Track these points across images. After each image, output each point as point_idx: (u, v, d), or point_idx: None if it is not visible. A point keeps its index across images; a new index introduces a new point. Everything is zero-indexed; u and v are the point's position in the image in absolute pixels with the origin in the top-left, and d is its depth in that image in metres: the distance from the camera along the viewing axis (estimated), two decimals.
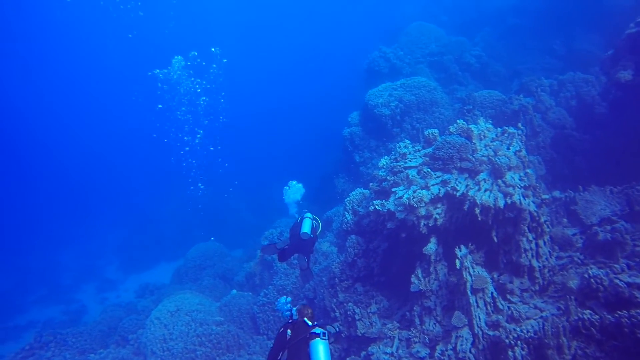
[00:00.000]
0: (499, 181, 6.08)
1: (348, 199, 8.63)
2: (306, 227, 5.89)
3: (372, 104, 12.78)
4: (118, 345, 10.09)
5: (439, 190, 6.16)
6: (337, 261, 7.92)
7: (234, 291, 11.64)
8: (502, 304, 5.82)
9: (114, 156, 38.97)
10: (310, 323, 3.83)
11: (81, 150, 40.65)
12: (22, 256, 22.67)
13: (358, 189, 8.97)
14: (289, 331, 3.75)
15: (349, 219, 8.19)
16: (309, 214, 6.15)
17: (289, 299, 4.22)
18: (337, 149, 16.31)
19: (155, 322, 9.07)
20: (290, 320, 3.92)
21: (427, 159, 6.78)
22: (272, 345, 3.80)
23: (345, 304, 7.18)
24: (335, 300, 7.47)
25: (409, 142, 7.35)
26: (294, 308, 4.05)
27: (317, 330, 3.65)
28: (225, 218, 20.84)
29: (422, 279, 6.26)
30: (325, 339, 3.58)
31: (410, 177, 6.49)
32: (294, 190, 7.14)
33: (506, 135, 6.97)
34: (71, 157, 40.12)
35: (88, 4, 38.20)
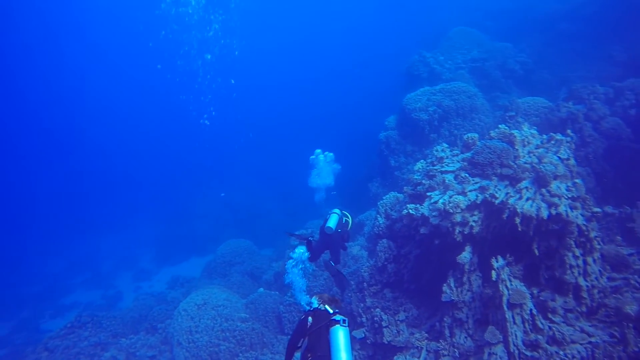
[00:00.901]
0: (543, 190, 5.69)
1: (381, 202, 8.44)
2: (331, 222, 5.87)
3: (410, 108, 12.54)
4: (147, 333, 10.37)
5: (477, 196, 5.86)
6: (366, 265, 7.74)
7: (261, 289, 11.67)
8: (542, 323, 5.41)
9: (157, 152, 40.59)
10: (331, 310, 3.76)
11: (129, 147, 42.56)
12: (71, 242, 24.15)
13: (392, 192, 8.75)
14: (309, 318, 3.70)
15: (381, 222, 7.99)
16: (337, 210, 6.08)
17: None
18: (373, 153, 16.15)
19: (183, 313, 9.22)
20: (310, 308, 3.87)
21: (465, 163, 6.49)
22: (292, 333, 3.75)
23: (372, 310, 6.98)
24: (362, 305, 7.28)
25: (446, 145, 7.07)
26: (314, 297, 3.99)
27: (338, 317, 3.58)
28: (256, 217, 21.10)
29: (454, 289, 5.97)
30: (345, 326, 3.51)
31: (446, 181, 6.22)
32: (324, 168, 7.04)
33: (553, 142, 6.54)
34: (119, 153, 42.09)
35: None
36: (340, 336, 3.43)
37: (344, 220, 6.13)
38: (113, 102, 47.54)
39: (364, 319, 7.15)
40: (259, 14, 44.45)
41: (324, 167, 7.89)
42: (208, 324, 8.92)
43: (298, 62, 42.19)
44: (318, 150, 8.91)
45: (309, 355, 3.45)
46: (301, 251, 6.06)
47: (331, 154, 9.11)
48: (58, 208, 30.32)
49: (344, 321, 3.54)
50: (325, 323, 3.56)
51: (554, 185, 5.70)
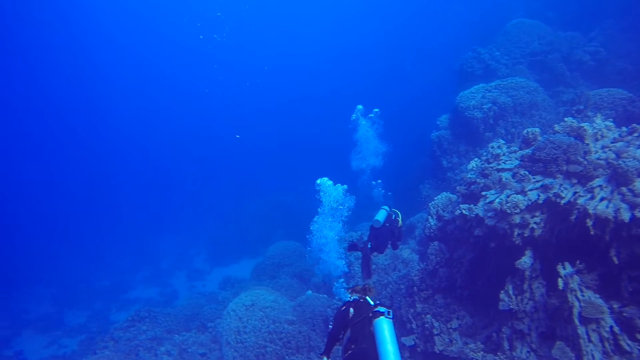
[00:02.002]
0: (624, 189, 5.02)
1: (433, 202, 8.02)
2: (379, 216, 5.79)
3: (463, 107, 11.94)
4: (198, 331, 10.68)
5: (539, 196, 5.32)
6: (417, 269, 7.36)
7: (309, 292, 11.58)
8: (629, 345, 4.70)
9: (210, 156, 42.47)
10: (372, 302, 3.63)
11: (186, 153, 44.92)
12: (134, 242, 25.81)
13: (444, 193, 8.29)
14: (351, 309, 3.59)
15: (432, 224, 7.59)
16: (385, 207, 6.02)
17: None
18: (423, 154, 15.61)
19: (232, 313, 9.35)
20: (351, 299, 3.76)
21: (524, 161, 5.93)
22: (332, 324, 3.63)
23: (423, 316, 6.60)
24: (412, 310, 6.92)
25: (503, 142, 6.54)
26: (349, 292, 3.89)
27: (381, 309, 3.42)
28: (306, 219, 21.17)
29: (513, 297, 5.45)
30: (390, 318, 3.35)
31: (503, 180, 5.73)
32: (369, 140, 6.85)
33: (637, 134, 5.75)
34: (176, 158, 44.55)
35: None
36: (386, 328, 3.28)
37: (393, 216, 6.00)
38: (169, 107, 50.30)
39: (413, 326, 6.79)
40: (307, 12, 45.21)
41: (368, 138, 7.51)
42: (256, 325, 8.96)
43: (344, 61, 42.02)
44: (359, 107, 8.39)
45: (353, 346, 3.33)
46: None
47: (377, 109, 8.57)
48: (119, 209, 32.58)
49: (388, 313, 3.38)
50: (368, 315, 3.43)
51: (638, 184, 5.00)
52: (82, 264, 22.67)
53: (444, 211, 7.68)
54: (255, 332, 8.77)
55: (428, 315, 6.51)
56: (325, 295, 10.92)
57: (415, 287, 7.12)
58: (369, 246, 6.05)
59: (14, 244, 25.72)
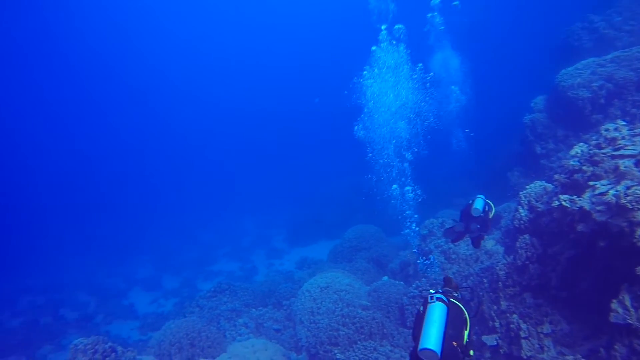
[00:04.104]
0: None
1: (524, 192, 7.22)
2: (478, 204, 5.69)
3: (565, 86, 10.58)
4: (274, 307, 11.13)
5: None
6: (502, 262, 6.75)
7: (386, 278, 11.40)
8: None
9: (292, 141, 43.92)
10: (432, 291, 3.55)
11: (273, 135, 47.01)
12: (219, 218, 28.05)
13: (537, 182, 7.42)
14: (421, 307, 3.50)
15: (522, 215, 6.85)
16: (481, 195, 5.86)
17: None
18: (512, 139, 14.34)
19: (306, 294, 9.53)
20: (429, 297, 3.57)
21: None
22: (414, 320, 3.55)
23: (508, 315, 6.03)
24: (496, 307, 6.37)
25: (623, 123, 5.57)
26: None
27: (437, 295, 3.38)
28: (386, 203, 20.83)
29: (631, 310, 4.62)
30: (434, 302, 3.31)
31: (622, 168, 4.87)
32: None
33: None
34: (264, 140, 46.86)
35: None
36: (429, 312, 3.25)
37: (487, 207, 5.75)
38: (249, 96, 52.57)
39: (497, 324, 6.25)
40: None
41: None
42: (329, 307, 9.03)
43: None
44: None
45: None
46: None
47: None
48: (207, 192, 35.38)
49: (431, 298, 3.34)
50: (424, 304, 3.40)
51: None
52: (176, 238, 25.28)
53: (537, 201, 6.86)
54: (328, 314, 8.84)
55: (514, 315, 5.92)
56: (402, 283, 10.65)
57: (500, 283, 6.53)
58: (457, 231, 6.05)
59: (126, 219, 30.02)
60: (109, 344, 7.58)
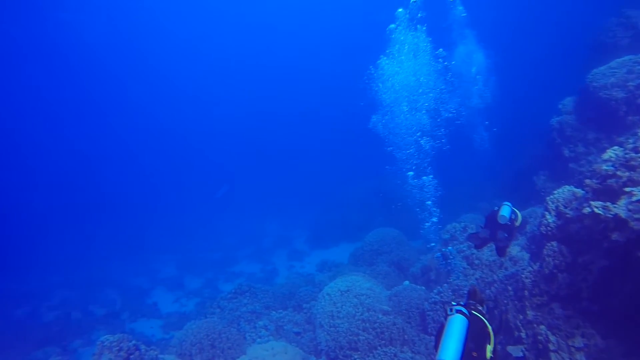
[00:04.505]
0: None
1: (552, 197, 6.97)
2: (505, 211, 5.60)
3: (597, 86, 10.21)
4: (294, 310, 11.13)
5: None
6: (528, 270, 6.53)
7: (407, 282, 11.26)
8: None
9: (315, 144, 44.11)
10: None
11: (296, 138, 47.31)
12: (241, 221, 28.36)
13: (566, 186, 7.15)
14: (444, 319, 3.44)
15: (550, 221, 6.61)
16: (508, 203, 5.74)
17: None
18: (538, 141, 13.95)
19: (326, 297, 9.49)
20: (450, 310, 3.53)
21: None
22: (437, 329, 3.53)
23: (535, 325, 5.81)
24: (522, 317, 6.16)
25: None
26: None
27: (460, 307, 3.31)
28: (407, 207, 20.66)
29: None
30: (452, 314, 3.26)
31: None
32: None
33: None
34: (287, 142, 47.17)
35: None
36: (448, 324, 3.21)
37: (513, 215, 5.64)
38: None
39: (523, 335, 6.03)
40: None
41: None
42: (349, 312, 8.96)
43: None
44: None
45: None
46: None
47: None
48: (230, 193, 35.94)
49: (451, 310, 3.30)
50: (445, 315, 3.36)
51: None
52: (199, 238, 25.75)
53: (565, 207, 6.60)
54: (348, 319, 8.77)
55: (542, 326, 5.70)
56: (423, 288, 10.49)
57: (526, 291, 6.31)
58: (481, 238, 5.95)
59: (151, 219, 31.05)
60: (133, 342, 7.75)
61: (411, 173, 9.43)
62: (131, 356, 7.44)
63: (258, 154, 46.14)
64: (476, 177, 19.69)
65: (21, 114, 47.73)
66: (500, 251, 6.00)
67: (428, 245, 11.66)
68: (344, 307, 9.12)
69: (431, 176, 9.34)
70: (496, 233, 5.70)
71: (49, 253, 24.78)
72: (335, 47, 51.74)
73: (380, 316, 8.90)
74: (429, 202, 9.49)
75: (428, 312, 9.09)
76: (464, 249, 10.00)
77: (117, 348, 7.38)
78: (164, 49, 51.95)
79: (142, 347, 7.89)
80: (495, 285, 8.10)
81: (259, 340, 9.92)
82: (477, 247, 6.37)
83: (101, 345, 7.42)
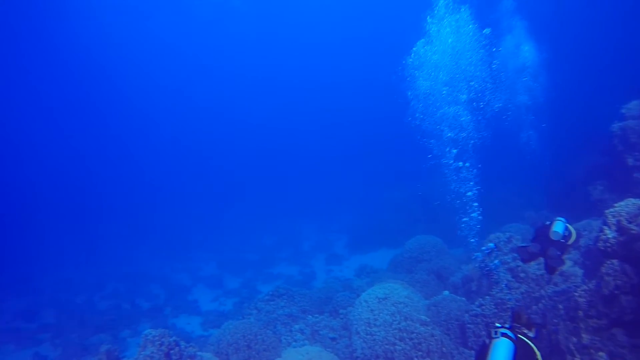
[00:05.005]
0: None
1: (612, 210, 6.39)
2: (558, 227, 5.37)
3: None
4: (330, 315, 11.04)
5: None
6: (583, 288, 6.02)
7: (446, 292, 10.90)
8: None
9: (360, 148, 43.94)
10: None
11: (335, 141, 47.31)
12: (280, 223, 28.91)
13: (630, 199, 6.53)
14: (487, 340, 3.31)
15: (610, 236, 6.05)
16: (562, 218, 5.50)
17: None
18: (593, 148, 13.01)
19: (364, 304, 9.33)
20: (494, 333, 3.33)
21: None
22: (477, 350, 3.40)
23: (592, 351, 5.33)
24: (575, 340, 5.68)
25: None
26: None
27: (506, 331, 3.09)
28: (450, 213, 20.01)
29: None
30: (497, 337, 3.06)
31: None
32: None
33: None
34: (327, 145, 47.33)
35: None
36: (492, 349, 3.00)
37: (567, 232, 5.29)
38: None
39: None
40: None
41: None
42: (386, 320, 8.76)
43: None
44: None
45: None
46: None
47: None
48: (271, 196, 36.55)
49: (495, 332, 3.09)
50: (488, 337, 3.20)
51: None
52: (240, 239, 26.52)
53: (630, 222, 6.02)
54: (385, 327, 8.57)
55: (601, 353, 5.21)
56: (464, 299, 10.07)
57: (580, 311, 5.81)
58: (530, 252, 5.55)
59: (195, 218, 32.45)
60: (174, 338, 8.00)
61: (452, 161, 8.98)
62: (171, 351, 7.68)
63: (297, 156, 46.73)
64: (521, 182, 18.65)
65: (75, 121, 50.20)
66: (551, 270, 5.61)
67: (472, 256, 11.14)
68: (381, 314, 8.92)
69: (468, 163, 8.84)
70: (547, 249, 5.34)
71: (102, 247, 26.65)
72: (369, 42, 50.83)
73: (418, 326, 8.63)
74: (470, 193, 8.99)
75: (469, 325, 8.68)
76: (508, 260, 9.48)
77: (159, 342, 7.65)
78: (188, 50, 52.84)
79: (182, 343, 8.13)
80: (543, 301, 7.59)
81: (294, 343, 9.93)
82: (525, 261, 6.07)
83: (145, 339, 7.75)
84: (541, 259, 5.90)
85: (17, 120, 46.98)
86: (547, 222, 5.61)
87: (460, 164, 8.95)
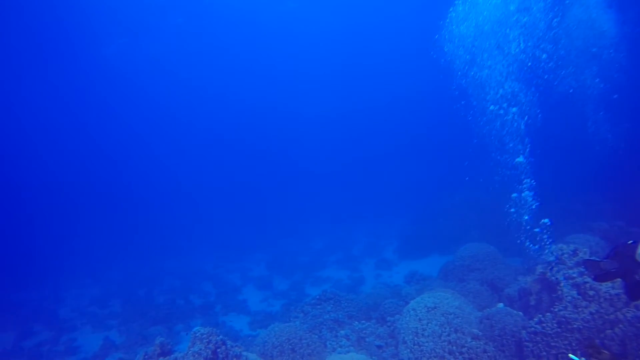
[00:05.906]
0: None
1: None
2: None
3: None
4: (377, 322, 10.79)
5: None
6: None
7: (501, 305, 10.23)
8: None
9: (410, 149, 42.99)
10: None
11: (387, 145, 46.62)
12: (330, 226, 29.12)
13: None
14: None
15: None
16: None
17: None
18: None
19: (412, 312, 9.02)
20: None
21: None
22: None
23: None
24: None
25: None
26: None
27: None
28: (505, 221, 18.83)
29: None
30: None
31: None
32: None
33: None
34: (378, 149, 46.74)
35: None
36: None
37: None
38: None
39: None
40: None
41: None
42: (435, 330, 8.38)
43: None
44: None
45: None
46: None
47: None
48: (320, 200, 36.80)
49: None
50: None
51: None
52: (290, 241, 27.10)
53: None
54: (434, 338, 8.19)
55: None
56: (521, 313, 9.36)
57: None
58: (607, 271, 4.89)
59: (247, 220, 33.69)
60: (221, 337, 8.25)
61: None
62: (218, 349, 7.91)
63: (351, 159, 46.59)
64: (589, 185, 16.91)
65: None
66: (633, 295, 4.86)
67: (531, 267, 10.16)
68: (429, 324, 8.56)
69: (521, 157, 7.97)
70: (630, 271, 4.62)
71: (162, 245, 28.58)
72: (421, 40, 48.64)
73: (469, 340, 8.14)
74: (527, 180, 8.11)
75: (526, 343, 8.02)
76: (574, 275, 8.63)
77: (207, 340, 7.93)
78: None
79: (229, 342, 8.36)
80: (621, 326, 6.79)
81: (339, 349, 9.81)
82: (597, 279, 5.30)
83: (194, 336, 8.08)
84: (620, 281, 5.16)
85: (76, 119, 45.69)
86: (630, 241, 4.82)
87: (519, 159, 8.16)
